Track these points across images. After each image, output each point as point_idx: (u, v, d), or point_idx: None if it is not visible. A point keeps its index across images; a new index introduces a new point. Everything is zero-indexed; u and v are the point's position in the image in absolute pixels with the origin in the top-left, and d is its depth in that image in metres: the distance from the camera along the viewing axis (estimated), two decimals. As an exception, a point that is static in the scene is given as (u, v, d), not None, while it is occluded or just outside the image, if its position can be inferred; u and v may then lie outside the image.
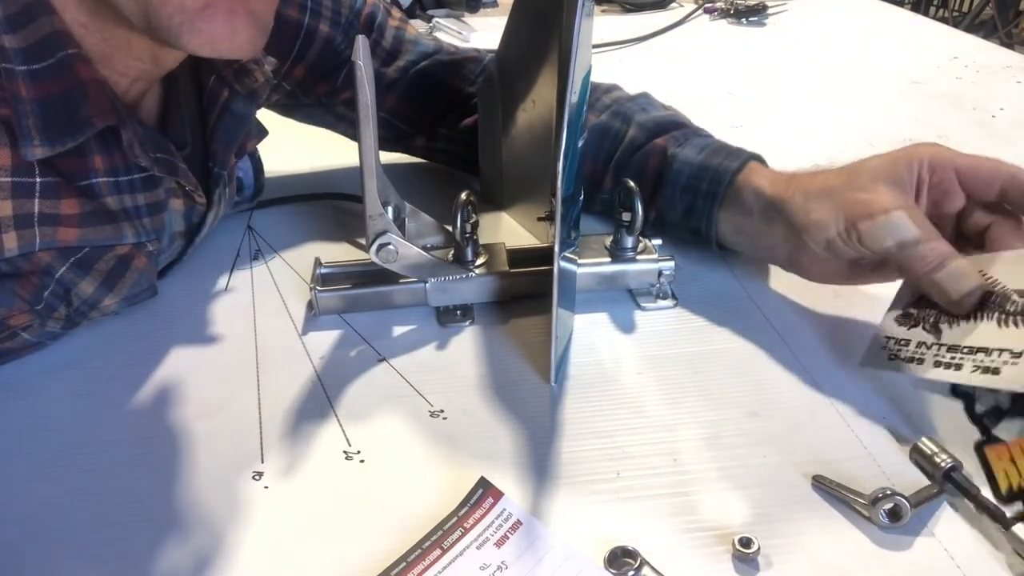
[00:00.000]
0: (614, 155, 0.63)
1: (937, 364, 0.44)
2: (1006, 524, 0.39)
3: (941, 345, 0.44)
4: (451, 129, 0.72)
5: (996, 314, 0.42)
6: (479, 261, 0.58)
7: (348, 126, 0.72)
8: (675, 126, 0.63)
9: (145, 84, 0.51)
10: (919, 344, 0.46)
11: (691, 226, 0.59)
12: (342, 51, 0.66)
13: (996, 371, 0.40)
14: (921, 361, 0.45)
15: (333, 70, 0.67)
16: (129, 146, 0.47)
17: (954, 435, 0.44)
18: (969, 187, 0.48)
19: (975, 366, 0.41)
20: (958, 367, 0.42)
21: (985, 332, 0.42)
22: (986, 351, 0.41)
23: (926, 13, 2.68)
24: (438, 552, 0.39)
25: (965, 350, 0.42)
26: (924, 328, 0.46)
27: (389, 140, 0.73)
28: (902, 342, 0.47)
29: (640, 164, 0.61)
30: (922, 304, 0.47)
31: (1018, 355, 0.39)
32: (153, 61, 0.49)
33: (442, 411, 0.49)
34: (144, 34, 0.44)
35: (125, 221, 0.50)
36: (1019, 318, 0.41)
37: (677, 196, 0.59)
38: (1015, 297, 0.42)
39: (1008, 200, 0.48)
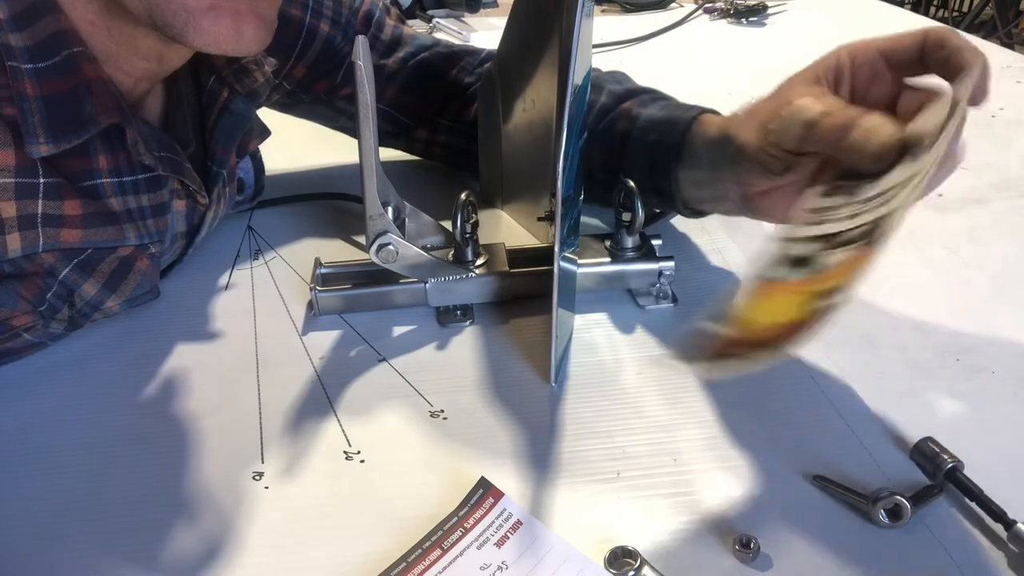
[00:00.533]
0: (587, 124, 0.62)
1: (850, 217, 0.39)
2: (1007, 524, 0.39)
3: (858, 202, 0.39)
4: (452, 120, 0.72)
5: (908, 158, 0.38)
6: (479, 261, 0.58)
7: (348, 120, 0.72)
8: (645, 92, 0.62)
9: (149, 84, 0.51)
10: (835, 208, 0.40)
11: (656, 186, 0.58)
12: (341, 49, 0.66)
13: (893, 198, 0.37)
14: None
15: (333, 68, 0.67)
16: (134, 144, 0.48)
17: (955, 435, 0.44)
18: (895, 61, 0.45)
19: (880, 204, 0.38)
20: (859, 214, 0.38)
21: (898, 172, 0.38)
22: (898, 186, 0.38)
23: (926, 13, 2.69)
24: (438, 552, 0.39)
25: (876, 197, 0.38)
26: (845, 193, 0.40)
27: (390, 134, 0.73)
28: (820, 210, 0.40)
29: (608, 129, 0.61)
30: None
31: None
32: (158, 60, 0.49)
33: (442, 411, 0.49)
34: (150, 31, 0.44)
35: (128, 223, 0.50)
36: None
37: (641, 153, 0.58)
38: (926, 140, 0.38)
39: (929, 59, 0.44)
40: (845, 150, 0.41)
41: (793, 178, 0.47)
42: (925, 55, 0.44)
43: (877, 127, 0.40)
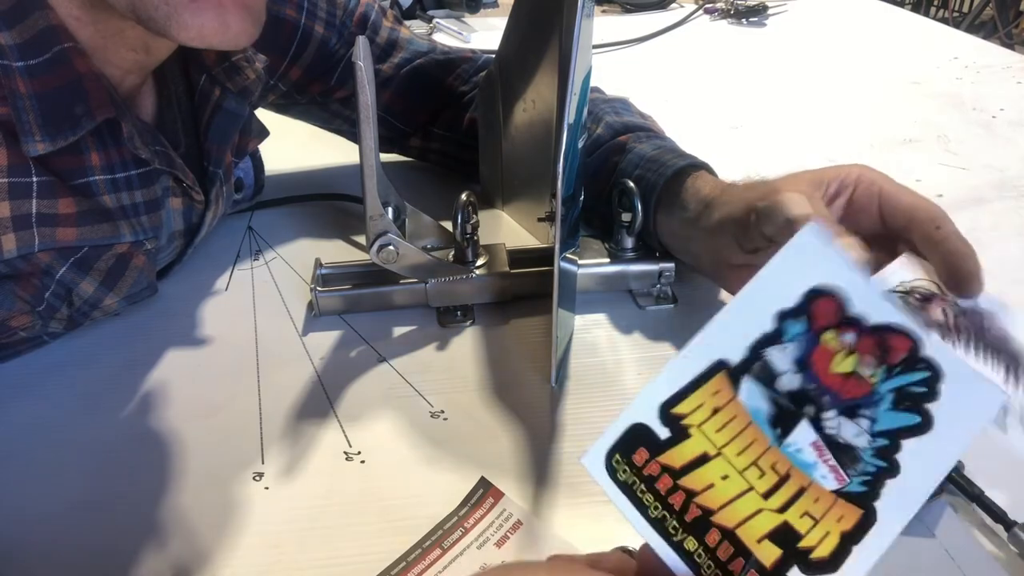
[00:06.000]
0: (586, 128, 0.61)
1: None
2: (1007, 524, 0.39)
3: None
4: (445, 129, 0.72)
5: None
6: (479, 262, 0.58)
7: (343, 123, 0.72)
8: (642, 129, 0.62)
9: (138, 77, 0.51)
10: None
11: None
12: (336, 51, 0.66)
13: None
14: None
15: (328, 71, 0.67)
16: (130, 138, 0.47)
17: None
18: (886, 211, 0.45)
19: None
20: None
21: None
22: None
23: (926, 13, 2.68)
24: (438, 552, 0.39)
25: None
26: None
27: (384, 139, 0.73)
28: None
29: (601, 159, 0.61)
30: None
31: None
32: (146, 51, 0.48)
33: (442, 412, 0.49)
34: (136, 23, 0.44)
35: (122, 219, 0.50)
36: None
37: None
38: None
39: (910, 233, 0.44)
40: None
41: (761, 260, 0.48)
42: (910, 227, 0.43)
43: (850, 245, 0.40)
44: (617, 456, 0.29)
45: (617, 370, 0.52)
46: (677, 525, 0.29)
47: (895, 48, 1.18)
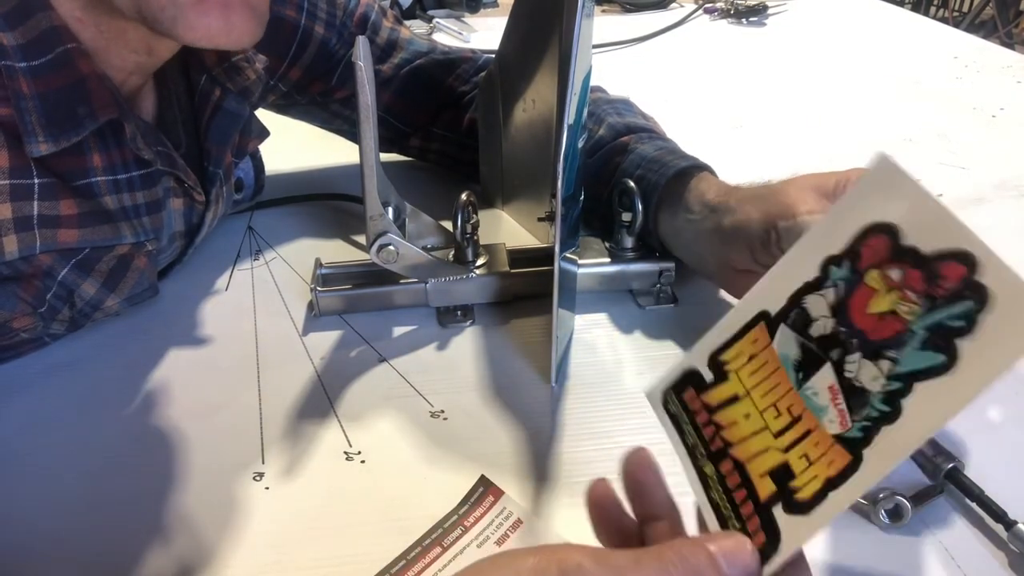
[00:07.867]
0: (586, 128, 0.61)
1: None
2: (1007, 524, 0.39)
3: None
4: (445, 129, 0.73)
5: None
6: (479, 261, 0.58)
7: (343, 123, 0.72)
8: (644, 130, 0.62)
9: (140, 78, 0.51)
10: None
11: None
12: (336, 52, 0.66)
13: None
14: None
15: (328, 71, 0.67)
16: (132, 139, 0.48)
17: (955, 435, 0.44)
18: None
19: None
20: None
21: None
22: None
23: (926, 13, 2.68)
24: (438, 550, 0.39)
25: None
26: None
27: (384, 140, 0.73)
28: None
29: (603, 160, 0.61)
30: None
31: None
32: (148, 52, 0.49)
33: (442, 411, 0.49)
34: (140, 23, 0.44)
35: (123, 221, 0.50)
36: None
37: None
38: None
39: None
40: None
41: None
42: None
43: None
44: (672, 392, 0.34)
45: (617, 370, 0.52)
46: (703, 451, 0.32)
47: (895, 48, 1.18)
